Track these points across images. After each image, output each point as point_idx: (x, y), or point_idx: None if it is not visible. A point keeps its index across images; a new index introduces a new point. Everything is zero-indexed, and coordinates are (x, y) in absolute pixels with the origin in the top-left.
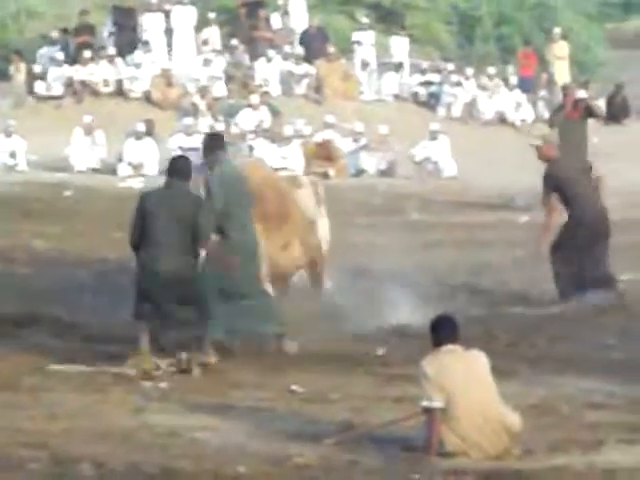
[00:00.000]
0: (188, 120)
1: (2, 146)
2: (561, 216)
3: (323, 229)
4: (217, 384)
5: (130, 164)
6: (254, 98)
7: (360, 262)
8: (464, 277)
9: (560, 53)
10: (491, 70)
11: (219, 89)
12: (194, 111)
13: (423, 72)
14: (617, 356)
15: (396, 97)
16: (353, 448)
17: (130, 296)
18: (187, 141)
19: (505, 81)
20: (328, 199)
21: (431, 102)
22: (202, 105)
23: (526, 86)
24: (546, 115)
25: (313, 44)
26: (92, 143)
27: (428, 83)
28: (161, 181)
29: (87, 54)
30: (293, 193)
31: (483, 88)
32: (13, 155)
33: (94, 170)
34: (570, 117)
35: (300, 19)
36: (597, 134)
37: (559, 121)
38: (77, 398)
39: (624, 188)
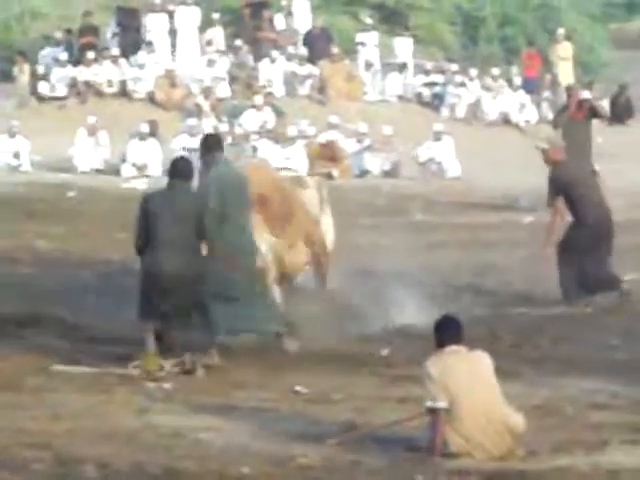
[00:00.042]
0: (192, 121)
1: (6, 147)
2: (565, 218)
3: (328, 229)
4: (221, 385)
5: (134, 165)
6: (258, 99)
7: (364, 263)
8: (468, 278)
9: (564, 54)
10: (495, 71)
11: (223, 90)
12: (198, 112)
13: (427, 73)
14: (620, 357)
15: (400, 98)
16: (356, 449)
17: (134, 297)
18: (191, 142)
19: (509, 82)
20: (332, 200)
21: (435, 103)
22: (206, 106)
23: (530, 87)
24: (550, 116)
25: (317, 45)
26: (96, 144)
27: (432, 84)
28: (165, 182)
29: (91, 55)
30: (297, 193)
31: (487, 89)
32: (17, 156)
33: (98, 171)
34: (574, 118)
35: (304, 20)
36: (601, 134)
37: (563, 122)
38: (81, 399)
39: (628, 189)
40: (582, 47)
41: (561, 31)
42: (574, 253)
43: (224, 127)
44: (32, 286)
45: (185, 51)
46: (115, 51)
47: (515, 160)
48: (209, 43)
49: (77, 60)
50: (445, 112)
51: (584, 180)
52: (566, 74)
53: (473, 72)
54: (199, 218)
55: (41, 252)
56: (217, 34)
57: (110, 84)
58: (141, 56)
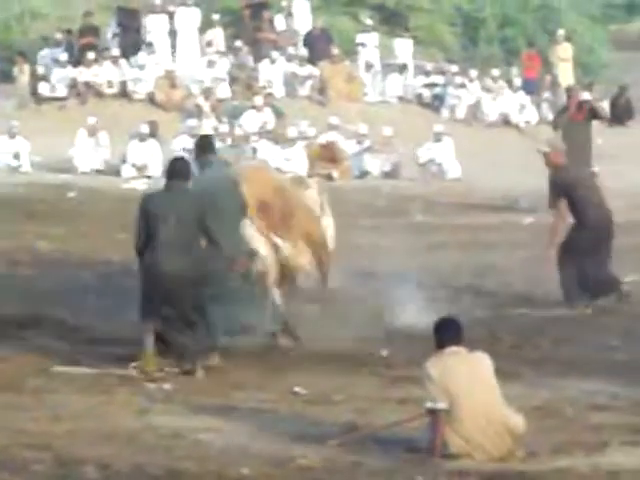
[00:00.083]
0: (192, 122)
1: (6, 147)
2: (568, 220)
3: (328, 228)
4: (220, 386)
5: (134, 165)
6: (258, 100)
7: (364, 264)
8: (468, 279)
9: (564, 55)
10: (495, 72)
11: (223, 90)
12: (198, 113)
13: (427, 74)
14: (621, 357)
15: (400, 99)
16: (357, 449)
17: (134, 298)
18: (191, 143)
19: (509, 83)
20: (332, 201)
21: (435, 104)
22: (206, 107)
23: (530, 88)
24: (550, 117)
25: (317, 46)
26: (96, 144)
27: (432, 85)
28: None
29: (91, 55)
30: (298, 193)
31: (487, 90)
32: (17, 156)
33: (98, 171)
34: (574, 119)
35: (304, 21)
36: (601, 136)
37: (563, 123)
38: (81, 400)
39: (628, 190)
40: (582, 48)
41: (561, 32)
42: (575, 254)
43: (224, 128)
44: (32, 287)
45: (185, 52)
46: (115, 52)
47: (515, 161)
48: (209, 44)
49: (77, 61)
50: (445, 113)
51: (584, 182)
52: (566, 75)
53: (473, 73)
54: (201, 219)
55: (41, 253)
56: (217, 35)
57: (110, 85)
58: (141, 57)
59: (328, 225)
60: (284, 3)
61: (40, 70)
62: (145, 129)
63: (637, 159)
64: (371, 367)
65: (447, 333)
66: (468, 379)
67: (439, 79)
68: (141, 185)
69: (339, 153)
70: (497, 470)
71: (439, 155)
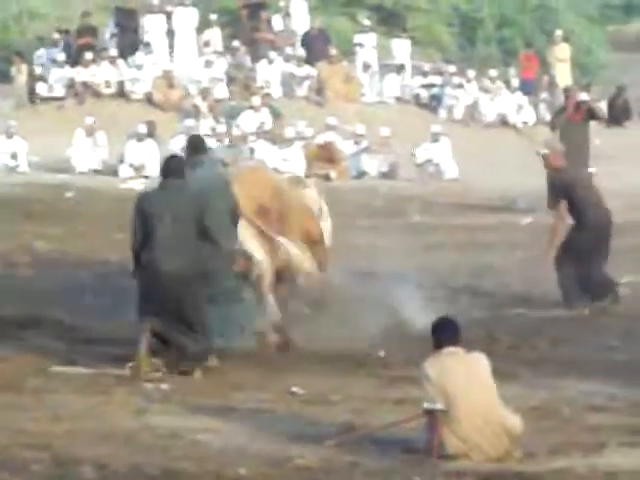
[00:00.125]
0: (190, 122)
1: (3, 147)
2: (567, 220)
3: (325, 225)
4: (218, 386)
5: (131, 165)
6: (255, 100)
7: (361, 264)
8: (466, 279)
9: (562, 55)
10: (493, 72)
11: (220, 91)
12: (195, 113)
13: (425, 74)
14: (619, 358)
15: (398, 99)
16: (354, 450)
17: (132, 298)
18: None
19: (507, 83)
20: (329, 201)
21: (433, 104)
22: (203, 107)
23: (527, 88)
24: (548, 117)
25: (315, 46)
26: (93, 144)
27: (430, 85)
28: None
29: (89, 55)
30: (297, 192)
31: (485, 90)
32: (14, 156)
33: (95, 171)
34: (572, 119)
35: (301, 21)
36: (599, 136)
37: (561, 123)
38: (80, 400)
39: (625, 190)
40: (580, 49)
41: (559, 33)
42: (575, 255)
43: (222, 128)
44: (30, 287)
45: (183, 52)
46: (113, 52)
47: (513, 161)
48: (207, 44)
49: (75, 61)
50: (443, 113)
51: (582, 182)
52: (564, 76)
53: (471, 73)
54: (199, 218)
55: (39, 253)
56: (215, 35)
57: (108, 85)
58: (139, 57)
59: (325, 222)
60: (282, 3)
61: (38, 70)
62: (143, 129)
63: (635, 160)
64: (368, 367)
65: (445, 333)
66: (465, 379)
67: (437, 79)
68: (139, 185)
69: (337, 153)
70: (494, 471)
71: (437, 155)
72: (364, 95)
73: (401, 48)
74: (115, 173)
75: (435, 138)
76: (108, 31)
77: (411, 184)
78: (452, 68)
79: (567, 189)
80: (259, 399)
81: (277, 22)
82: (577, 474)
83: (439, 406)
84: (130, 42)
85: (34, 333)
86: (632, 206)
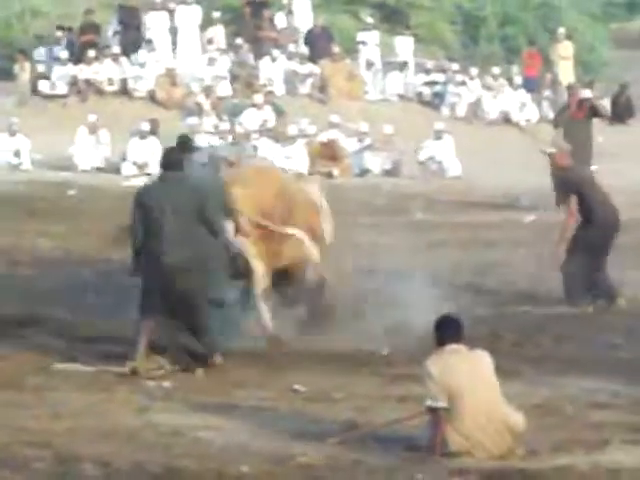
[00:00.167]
0: (192, 119)
1: (6, 145)
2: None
3: (326, 227)
4: (220, 384)
5: (134, 163)
6: (258, 97)
7: (364, 262)
8: (469, 277)
9: (564, 53)
10: (495, 70)
11: (223, 88)
12: (198, 110)
13: (427, 72)
14: (622, 356)
15: (401, 97)
16: (357, 447)
17: (134, 296)
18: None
19: (509, 81)
20: (332, 199)
21: (435, 102)
22: (206, 104)
23: (530, 86)
24: (551, 115)
25: (318, 44)
26: (96, 142)
27: (433, 83)
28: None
29: (92, 53)
30: (300, 189)
31: (488, 88)
32: (17, 154)
33: (98, 169)
34: (575, 117)
35: (305, 19)
36: (602, 134)
37: (564, 121)
38: (81, 397)
39: (629, 188)
40: (583, 46)
41: (562, 30)
42: (582, 253)
43: (225, 126)
44: (32, 285)
45: (186, 49)
46: (116, 49)
47: (516, 159)
48: (210, 42)
49: (78, 58)
50: (446, 111)
51: (588, 179)
52: (567, 73)
53: (474, 71)
54: (200, 211)
55: (42, 251)
56: (218, 32)
57: (111, 82)
58: (142, 54)
59: (326, 219)
60: (285, 1)
61: (40, 68)
62: (146, 127)
63: (638, 157)
64: (371, 365)
65: (447, 331)
66: (468, 377)
67: (440, 77)
68: (141, 183)
69: (339, 151)
70: (497, 468)
71: (439, 153)
72: (367, 93)
73: (404, 46)
74: (118, 171)
75: (438, 136)
76: (111, 28)
77: (414, 182)
78: (455, 66)
79: (576, 186)
80: (261, 397)
81: (280, 20)
82: (580, 471)
83: (442, 404)
84: (133, 40)
85: (35, 331)
86: (635, 203)
